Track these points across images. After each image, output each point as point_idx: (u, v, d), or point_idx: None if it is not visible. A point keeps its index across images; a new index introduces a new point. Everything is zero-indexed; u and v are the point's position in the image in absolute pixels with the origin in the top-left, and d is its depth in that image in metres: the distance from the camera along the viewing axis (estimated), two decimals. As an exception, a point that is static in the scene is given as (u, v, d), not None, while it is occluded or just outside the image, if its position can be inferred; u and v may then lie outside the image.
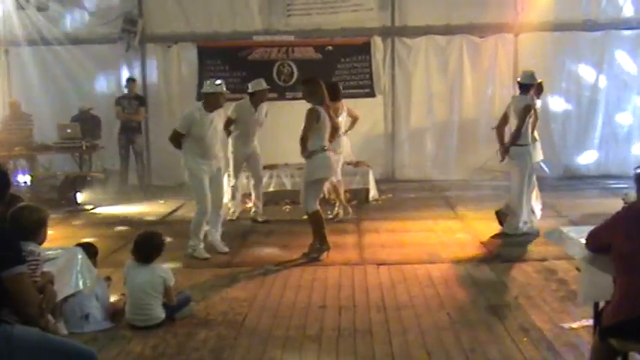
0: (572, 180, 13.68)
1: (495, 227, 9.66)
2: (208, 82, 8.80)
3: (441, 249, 8.82)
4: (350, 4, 14.85)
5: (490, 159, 14.12)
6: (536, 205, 9.81)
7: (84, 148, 12.75)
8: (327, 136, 8.52)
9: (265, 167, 12.10)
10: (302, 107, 8.56)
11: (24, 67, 14.98)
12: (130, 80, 14.28)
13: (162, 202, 12.89)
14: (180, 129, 8.52)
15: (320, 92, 8.44)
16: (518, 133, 9.18)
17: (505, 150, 9.33)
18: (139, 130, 14.32)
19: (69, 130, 12.88)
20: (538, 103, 10.05)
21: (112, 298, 6.48)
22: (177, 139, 8.61)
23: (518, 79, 9.55)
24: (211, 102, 8.57)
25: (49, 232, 5.06)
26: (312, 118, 8.26)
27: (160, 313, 6.09)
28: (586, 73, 14.60)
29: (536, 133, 9.85)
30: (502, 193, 12.18)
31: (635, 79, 14.75)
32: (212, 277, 7.69)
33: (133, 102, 14.10)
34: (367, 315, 6.29)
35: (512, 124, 9.43)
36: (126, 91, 14.21)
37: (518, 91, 9.55)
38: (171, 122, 14.93)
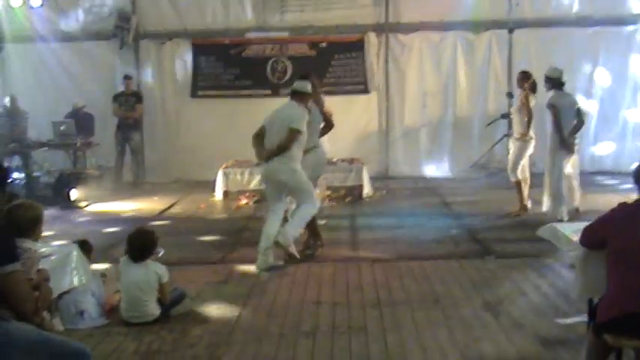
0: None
1: (490, 222, 9.78)
2: (303, 81, 8.30)
3: (435, 245, 8.84)
4: (344, 0, 14.83)
5: (484, 155, 14.21)
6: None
7: (78, 145, 12.73)
8: (317, 132, 8.49)
9: (258, 164, 12.15)
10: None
11: (18, 64, 14.97)
12: (127, 77, 14.28)
13: (156, 198, 12.87)
14: (303, 128, 7.87)
15: (316, 89, 8.39)
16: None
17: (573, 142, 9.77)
18: (135, 128, 14.33)
19: (63, 128, 12.87)
20: (532, 100, 10.12)
21: (107, 295, 6.47)
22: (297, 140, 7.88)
23: (564, 79, 9.84)
24: (307, 101, 8.11)
25: (46, 229, 5.06)
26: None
27: (155, 310, 6.09)
28: (580, 69, 14.59)
29: (532, 131, 10.01)
30: (495, 189, 12.24)
31: (629, 74, 14.77)
32: (207, 273, 7.67)
33: (130, 99, 14.12)
34: (362, 311, 6.29)
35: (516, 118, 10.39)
36: (122, 88, 14.20)
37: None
38: (164, 119, 15.07)
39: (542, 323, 5.81)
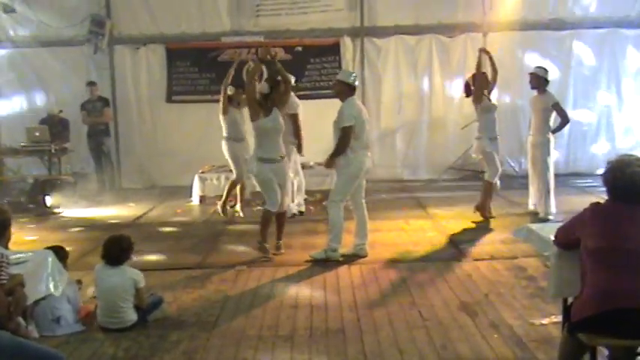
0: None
1: (465, 224, 9.88)
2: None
3: (412, 248, 8.87)
4: (319, 4, 14.84)
5: (460, 158, 14.27)
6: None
7: (53, 151, 12.60)
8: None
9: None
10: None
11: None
12: (90, 84, 14.15)
13: (132, 204, 12.81)
14: None
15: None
16: None
17: None
18: (106, 133, 14.24)
19: (37, 134, 12.72)
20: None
21: (83, 301, 6.44)
22: None
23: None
24: None
25: (21, 236, 5.03)
26: None
27: (132, 315, 6.06)
28: (553, 71, 14.67)
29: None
30: (472, 191, 12.28)
31: (601, 77, 14.91)
32: (184, 278, 7.66)
33: (97, 104, 14.00)
34: (339, 314, 6.31)
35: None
36: (88, 95, 14.08)
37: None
38: (139, 125, 15.00)
39: (517, 324, 5.86)
